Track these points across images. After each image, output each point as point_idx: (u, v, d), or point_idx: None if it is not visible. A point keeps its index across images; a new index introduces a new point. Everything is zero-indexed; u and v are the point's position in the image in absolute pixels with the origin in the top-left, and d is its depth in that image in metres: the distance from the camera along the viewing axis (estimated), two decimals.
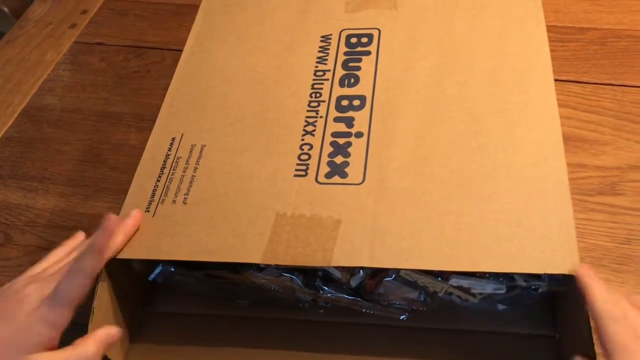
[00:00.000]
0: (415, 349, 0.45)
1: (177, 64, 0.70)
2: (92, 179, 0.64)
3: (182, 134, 0.51)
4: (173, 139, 0.51)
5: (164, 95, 0.67)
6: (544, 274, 0.41)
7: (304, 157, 0.47)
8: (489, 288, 0.43)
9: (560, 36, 0.63)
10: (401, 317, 0.46)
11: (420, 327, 0.46)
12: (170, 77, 0.70)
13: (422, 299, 0.44)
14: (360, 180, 0.45)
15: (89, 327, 0.41)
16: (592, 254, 0.50)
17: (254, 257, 0.42)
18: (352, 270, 0.45)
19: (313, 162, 0.47)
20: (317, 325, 0.47)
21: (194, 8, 0.78)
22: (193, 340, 0.47)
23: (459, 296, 0.44)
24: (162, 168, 0.49)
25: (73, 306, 0.40)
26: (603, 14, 0.64)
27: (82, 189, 0.62)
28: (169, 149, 0.50)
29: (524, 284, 0.42)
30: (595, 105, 0.59)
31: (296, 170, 0.47)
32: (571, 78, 0.61)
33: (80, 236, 0.46)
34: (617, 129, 0.57)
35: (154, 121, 0.66)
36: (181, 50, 0.63)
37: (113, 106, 0.70)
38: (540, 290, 0.42)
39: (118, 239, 0.43)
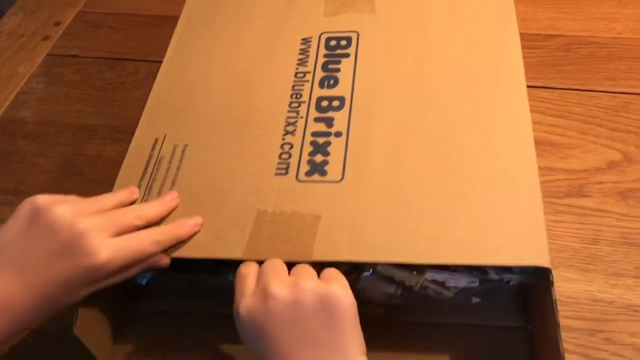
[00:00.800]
0: (393, 343, 0.47)
1: (152, 75, 0.71)
2: (68, 191, 0.63)
3: (165, 135, 0.52)
4: (156, 139, 0.52)
5: (140, 107, 0.68)
6: (515, 267, 0.43)
7: (284, 156, 0.49)
8: (463, 281, 0.45)
9: (527, 43, 0.66)
10: (379, 312, 0.48)
11: (397, 321, 0.48)
12: (145, 89, 0.71)
13: (399, 293, 0.46)
14: (340, 178, 0.47)
15: (75, 327, 0.43)
16: (561, 254, 0.53)
17: (236, 252, 0.44)
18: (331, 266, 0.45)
19: (294, 161, 0.49)
20: None
21: (169, 19, 0.79)
22: (177, 337, 0.49)
23: (434, 290, 0.46)
24: (145, 168, 0.50)
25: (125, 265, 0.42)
26: (568, 21, 0.68)
27: None
28: (152, 149, 0.52)
29: (496, 277, 0.44)
30: (563, 110, 0.62)
31: (277, 169, 0.49)
32: (539, 84, 0.63)
33: (132, 193, 0.49)
34: (583, 133, 0.60)
35: (129, 132, 0.67)
36: (156, 62, 0.65)
37: (88, 118, 0.70)
38: (511, 283, 0.45)
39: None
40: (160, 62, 0.73)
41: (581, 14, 0.70)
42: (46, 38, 0.78)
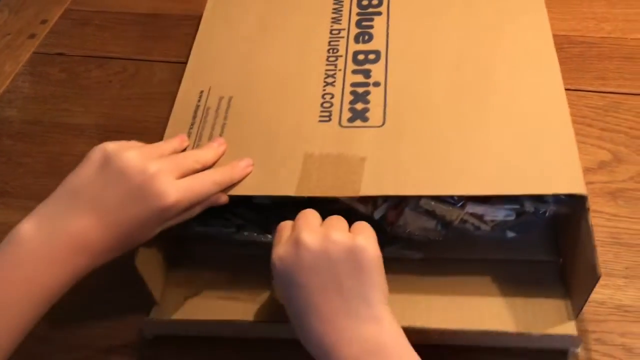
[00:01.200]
0: (430, 280, 0.52)
1: (141, 74, 0.71)
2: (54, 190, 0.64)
3: (210, 87, 0.59)
4: (201, 91, 0.58)
5: (129, 105, 0.70)
6: (551, 197, 0.49)
7: (326, 105, 0.56)
8: (500, 214, 0.51)
9: None
10: (416, 257, 0.54)
11: (436, 257, 0.54)
12: (134, 87, 0.72)
13: (439, 228, 0.52)
14: (381, 123, 0.54)
15: (136, 260, 0.48)
16: None
17: (288, 190, 0.50)
18: (375, 203, 0.52)
19: (335, 109, 0.55)
20: None
21: (156, 17, 0.80)
22: (219, 275, 0.54)
23: (472, 224, 0.52)
24: (194, 117, 0.56)
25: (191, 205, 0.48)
26: (558, 21, 0.75)
27: None
28: (199, 101, 0.58)
29: (532, 208, 0.50)
30: None
31: (320, 116, 0.55)
32: None
33: (182, 141, 0.54)
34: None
35: (118, 132, 0.68)
36: (144, 60, 0.72)
37: (75, 117, 0.73)
38: (547, 213, 0.50)
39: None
40: (151, 61, 0.74)
41: (571, 14, 0.74)
42: (32, 36, 0.80)
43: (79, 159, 0.68)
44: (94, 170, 0.47)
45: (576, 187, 0.47)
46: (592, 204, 0.57)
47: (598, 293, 0.52)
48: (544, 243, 0.54)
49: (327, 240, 0.43)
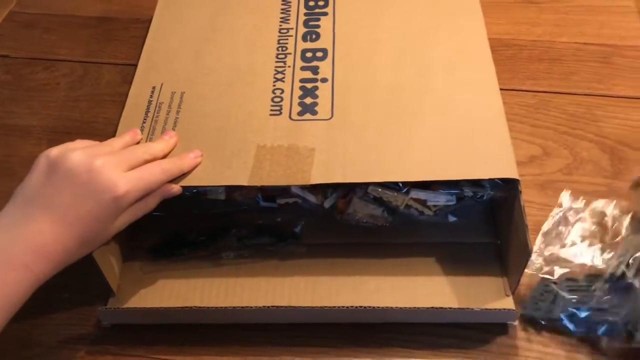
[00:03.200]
0: (380, 262, 0.57)
1: (89, 76, 0.73)
2: (2, 193, 0.66)
3: (162, 84, 0.61)
4: (153, 87, 0.61)
5: (78, 107, 0.71)
6: (487, 181, 0.54)
7: (277, 99, 0.59)
8: (442, 199, 0.55)
9: None
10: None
11: (384, 243, 0.58)
12: (83, 89, 0.74)
13: (386, 215, 0.57)
14: (329, 116, 0.58)
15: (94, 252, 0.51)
16: None
17: (241, 180, 0.53)
18: (325, 193, 0.56)
19: (286, 103, 0.59)
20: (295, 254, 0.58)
21: (104, 21, 0.82)
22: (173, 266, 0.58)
23: (416, 209, 0.56)
24: (147, 112, 0.59)
25: (142, 194, 0.50)
26: (492, 25, 0.80)
27: None
28: (151, 96, 0.60)
29: (470, 193, 0.55)
30: None
31: (271, 110, 0.58)
32: None
33: (136, 135, 0.56)
34: None
35: (67, 133, 0.70)
36: (93, 62, 0.75)
37: (22, 119, 0.74)
38: (484, 197, 0.55)
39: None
40: (99, 63, 0.76)
41: (504, 19, 0.80)
42: None
43: (26, 160, 0.70)
44: (43, 177, 0.48)
45: (509, 172, 0.52)
46: (524, 195, 0.62)
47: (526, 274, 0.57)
48: (483, 226, 0.59)
49: None
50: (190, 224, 0.60)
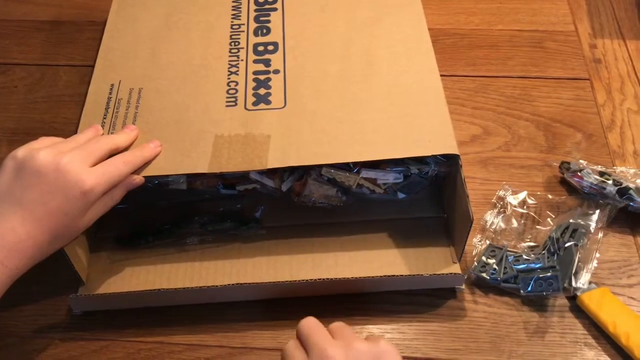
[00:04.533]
0: (337, 240, 0.61)
1: (47, 79, 0.76)
2: None
3: (120, 81, 0.64)
4: (112, 85, 0.63)
5: (37, 109, 0.74)
6: (430, 158, 0.58)
7: (232, 91, 0.63)
8: (390, 177, 0.59)
9: None
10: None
11: (339, 222, 0.62)
12: (41, 91, 0.76)
13: (339, 195, 0.60)
14: (282, 105, 0.61)
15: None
16: None
17: (201, 168, 0.56)
18: (282, 177, 0.60)
19: (240, 95, 0.62)
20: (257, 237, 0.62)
21: (59, 24, 0.83)
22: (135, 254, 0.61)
23: (367, 188, 0.60)
24: (107, 108, 0.61)
25: (108, 188, 0.52)
26: (434, 16, 0.84)
27: None
28: (110, 94, 0.63)
29: (416, 170, 0.59)
30: None
31: (227, 101, 0.62)
32: None
33: (97, 130, 0.58)
34: (449, 112, 0.71)
35: (26, 134, 0.72)
36: (50, 65, 0.76)
37: None
38: (429, 173, 0.60)
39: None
40: (56, 65, 0.78)
41: (445, 10, 0.85)
42: None
43: None
44: (11, 177, 0.50)
45: (450, 148, 0.57)
46: (467, 172, 0.67)
47: (474, 246, 0.61)
48: (430, 202, 0.64)
49: (353, 350, 0.44)
50: (155, 214, 0.63)
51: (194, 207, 0.63)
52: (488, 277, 0.59)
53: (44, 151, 0.51)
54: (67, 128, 0.73)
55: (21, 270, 0.49)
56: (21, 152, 0.51)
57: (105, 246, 0.61)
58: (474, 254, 0.61)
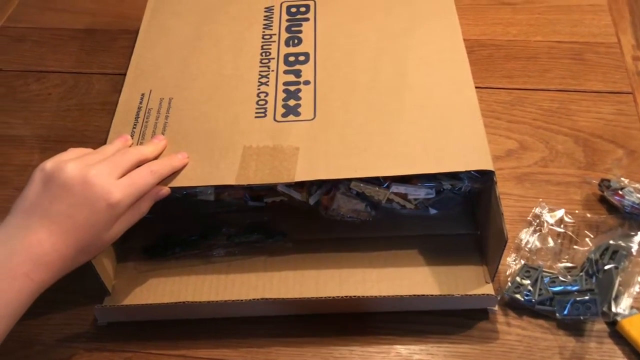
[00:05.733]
0: (365, 255, 0.59)
1: (79, 87, 0.76)
2: None
3: (150, 90, 0.64)
4: (143, 94, 0.63)
5: (69, 117, 0.74)
6: (464, 174, 0.57)
7: (261, 102, 0.62)
8: (422, 193, 0.58)
9: None
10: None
11: (365, 236, 0.61)
12: (73, 99, 0.76)
13: (368, 209, 0.59)
14: (312, 117, 0.60)
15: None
16: None
17: (229, 180, 0.55)
18: (310, 191, 0.59)
19: (270, 106, 0.61)
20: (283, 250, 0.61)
21: (93, 33, 0.84)
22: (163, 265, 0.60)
23: (398, 203, 0.58)
24: (137, 118, 0.61)
25: (135, 199, 0.52)
26: (469, 26, 0.82)
27: None
28: (140, 103, 0.63)
29: (449, 186, 0.57)
30: None
31: (256, 112, 0.61)
32: None
33: (126, 140, 0.58)
34: (485, 126, 0.69)
35: (59, 142, 0.73)
36: (83, 73, 0.77)
37: (14, 129, 0.76)
38: (462, 189, 0.58)
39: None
40: (89, 73, 0.78)
41: (481, 20, 0.83)
42: None
43: (20, 169, 0.72)
44: (39, 189, 0.50)
45: (484, 164, 0.55)
46: (502, 187, 0.64)
47: (508, 265, 0.59)
48: (462, 218, 0.61)
49: None
50: (182, 225, 0.62)
51: (221, 218, 0.62)
52: (522, 299, 0.56)
53: (71, 163, 0.51)
54: (99, 136, 0.73)
55: (47, 283, 0.49)
56: (49, 164, 0.51)
57: (132, 256, 0.61)
58: (507, 273, 0.58)
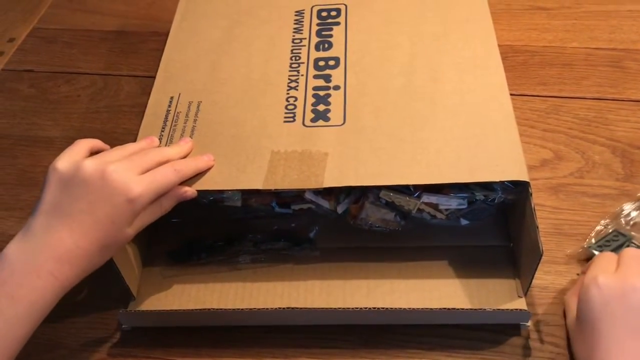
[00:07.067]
0: (394, 265, 0.58)
1: (109, 88, 0.76)
2: (27, 202, 0.69)
3: (179, 94, 0.63)
4: (171, 98, 0.63)
5: (98, 118, 0.74)
6: (498, 185, 0.55)
7: (290, 107, 0.61)
8: (453, 203, 0.56)
9: None
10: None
11: (394, 246, 0.59)
12: (102, 101, 0.76)
13: (398, 219, 0.58)
14: (342, 122, 0.59)
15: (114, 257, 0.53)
16: None
17: (256, 184, 0.54)
18: (338, 199, 0.58)
19: (299, 111, 0.60)
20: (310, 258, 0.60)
21: (123, 34, 0.84)
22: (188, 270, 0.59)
23: (428, 213, 0.57)
24: (165, 121, 0.61)
25: (156, 196, 0.52)
26: (503, 32, 0.80)
27: (18, 211, 0.69)
28: (169, 106, 0.62)
29: (482, 196, 0.56)
30: None
31: (285, 117, 0.60)
32: None
33: (152, 142, 0.57)
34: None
35: None
36: (112, 75, 0.77)
37: (45, 131, 0.76)
38: (495, 200, 0.56)
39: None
40: (118, 75, 0.79)
41: (515, 25, 0.81)
42: (0, 54, 0.82)
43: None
44: (57, 191, 0.49)
45: (519, 174, 0.53)
46: (536, 198, 0.63)
47: (541, 279, 0.58)
48: (495, 230, 0.60)
49: None
50: (209, 230, 0.61)
51: (248, 224, 0.61)
52: None
53: (88, 161, 0.50)
54: (127, 138, 0.72)
55: (71, 281, 0.49)
56: (63, 164, 0.51)
57: (158, 261, 0.60)
58: (595, 230, 0.60)
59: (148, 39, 0.84)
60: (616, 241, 0.58)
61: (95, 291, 0.59)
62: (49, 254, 0.47)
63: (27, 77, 0.82)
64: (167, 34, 0.71)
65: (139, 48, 0.84)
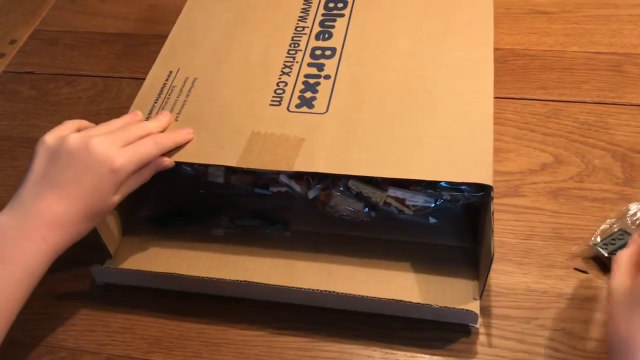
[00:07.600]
0: (358, 254, 0.59)
1: (109, 90, 0.75)
2: None
3: (179, 69, 0.66)
4: (170, 72, 0.66)
5: (98, 120, 0.73)
6: (464, 185, 0.55)
7: (279, 91, 0.62)
8: (420, 200, 0.56)
9: None
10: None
11: (362, 236, 0.61)
12: (103, 103, 0.75)
13: (366, 210, 0.58)
14: (324, 111, 0.60)
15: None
16: (499, 250, 0.61)
17: (231, 161, 0.56)
18: (309, 185, 0.58)
19: (286, 96, 0.61)
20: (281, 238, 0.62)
21: (125, 37, 0.84)
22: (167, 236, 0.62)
23: (395, 207, 0.57)
24: (160, 93, 0.63)
25: (137, 167, 0.54)
26: (504, 35, 0.80)
27: None
28: (167, 79, 0.65)
29: (448, 196, 0.56)
30: (499, 117, 0.70)
31: (271, 100, 0.61)
32: None
33: (135, 116, 0.60)
34: (518, 138, 0.69)
35: None
36: (113, 77, 0.77)
37: (45, 132, 0.74)
38: (461, 202, 0.56)
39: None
40: (119, 77, 0.79)
41: (516, 29, 0.80)
42: (1, 56, 0.83)
43: None
44: (45, 162, 0.52)
45: (483, 178, 0.52)
46: (536, 202, 0.62)
47: (541, 283, 0.57)
48: (463, 231, 0.60)
49: None
50: (191, 201, 0.65)
51: (229, 201, 0.63)
52: (606, 255, 0.57)
53: (74, 135, 0.53)
54: None
55: (61, 246, 0.51)
56: (51, 138, 0.54)
57: (139, 227, 0.63)
58: (600, 229, 0.60)
59: (149, 42, 0.85)
60: (621, 240, 0.58)
61: (95, 293, 0.61)
62: (40, 220, 0.50)
63: (28, 79, 0.82)
64: (167, 37, 0.72)
65: (140, 50, 0.84)
